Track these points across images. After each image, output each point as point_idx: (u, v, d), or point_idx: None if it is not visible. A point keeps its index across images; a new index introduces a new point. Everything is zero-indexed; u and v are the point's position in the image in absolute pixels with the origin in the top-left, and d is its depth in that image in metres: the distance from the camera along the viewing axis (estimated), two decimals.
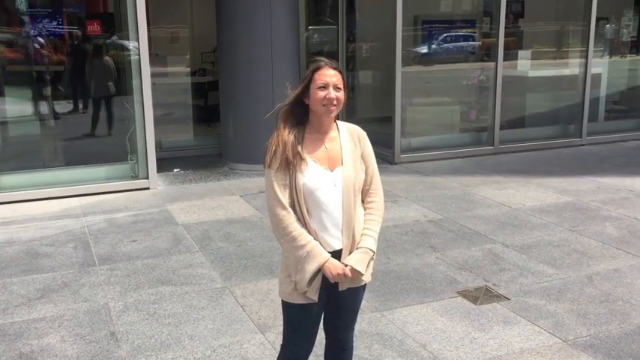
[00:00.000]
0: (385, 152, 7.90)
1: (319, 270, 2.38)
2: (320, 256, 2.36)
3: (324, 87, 2.36)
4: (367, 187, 2.53)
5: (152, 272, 4.59)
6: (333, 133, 2.47)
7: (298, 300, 2.43)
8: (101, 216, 5.93)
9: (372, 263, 2.52)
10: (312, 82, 2.38)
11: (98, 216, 5.93)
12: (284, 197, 2.37)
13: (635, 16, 10.42)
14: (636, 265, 4.66)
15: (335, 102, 2.37)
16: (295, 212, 2.38)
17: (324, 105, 2.36)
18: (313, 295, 2.40)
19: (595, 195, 6.53)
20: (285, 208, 2.36)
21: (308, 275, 2.37)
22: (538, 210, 6.04)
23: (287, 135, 2.38)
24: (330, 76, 2.37)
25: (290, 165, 2.35)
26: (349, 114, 9.30)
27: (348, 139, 2.48)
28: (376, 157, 2.61)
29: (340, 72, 2.42)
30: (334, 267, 2.37)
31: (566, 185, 6.91)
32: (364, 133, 2.54)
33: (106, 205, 6.27)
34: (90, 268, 4.67)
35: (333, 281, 2.39)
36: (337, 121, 2.51)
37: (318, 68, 2.39)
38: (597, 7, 8.90)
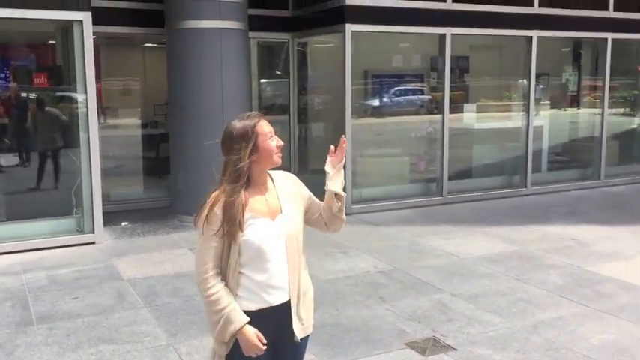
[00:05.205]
0: None
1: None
2: (237, 322, 2.32)
3: (271, 136, 2.39)
4: (318, 210, 2.56)
5: (93, 330, 4.42)
6: (268, 183, 2.49)
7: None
8: (43, 272, 5.72)
9: (312, 313, 2.51)
10: (259, 136, 2.36)
11: (39, 272, 5.72)
12: (213, 259, 2.34)
13: (574, 71, 10.98)
14: (579, 313, 4.76)
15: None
16: (230, 272, 2.35)
17: (276, 154, 2.39)
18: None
19: (540, 243, 6.69)
20: (209, 270, 2.34)
21: (226, 339, 2.34)
22: (485, 259, 6.14)
23: (226, 201, 2.31)
24: (268, 125, 2.42)
25: (230, 231, 2.31)
26: (301, 166, 9.39)
27: (283, 184, 2.51)
28: None
29: None
30: (249, 335, 2.32)
31: (513, 234, 7.07)
32: (294, 176, 2.60)
33: (48, 261, 6.07)
34: (27, 328, 4.47)
35: (246, 354, 2.34)
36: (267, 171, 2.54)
37: (258, 121, 2.40)
38: (537, 64, 9.34)
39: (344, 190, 2.51)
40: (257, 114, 2.42)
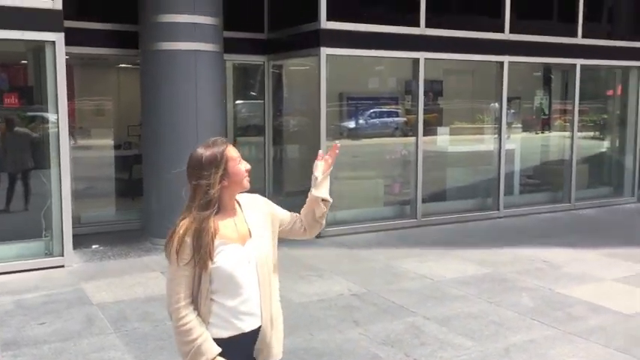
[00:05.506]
0: None
1: None
2: (208, 353, 2.28)
3: (240, 161, 2.38)
4: (295, 219, 2.60)
5: (59, 357, 4.31)
6: (236, 207, 2.45)
7: None
8: (8, 297, 5.58)
9: (281, 339, 2.48)
10: (229, 161, 2.34)
11: (5, 297, 5.57)
12: (185, 289, 2.29)
13: (545, 96, 11.20)
14: (550, 336, 4.79)
15: None
16: (202, 300, 2.30)
17: (245, 178, 2.38)
18: None
19: (512, 266, 6.75)
20: (181, 300, 2.28)
21: None
22: (459, 282, 6.16)
23: (196, 229, 2.27)
24: (235, 150, 2.40)
25: (201, 260, 2.26)
26: (276, 188, 9.37)
27: (251, 207, 2.48)
28: None
29: None
30: None
31: (485, 257, 7.12)
32: (262, 197, 2.58)
33: (15, 285, 5.92)
34: None
35: None
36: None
37: (226, 147, 2.38)
38: (509, 89, 9.51)
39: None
40: (223, 140, 2.40)
